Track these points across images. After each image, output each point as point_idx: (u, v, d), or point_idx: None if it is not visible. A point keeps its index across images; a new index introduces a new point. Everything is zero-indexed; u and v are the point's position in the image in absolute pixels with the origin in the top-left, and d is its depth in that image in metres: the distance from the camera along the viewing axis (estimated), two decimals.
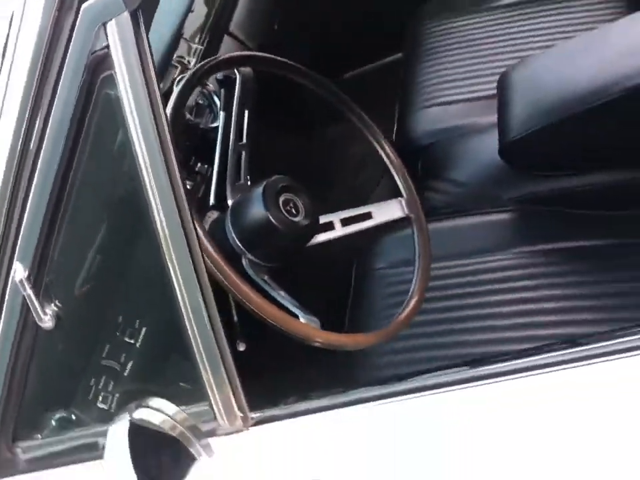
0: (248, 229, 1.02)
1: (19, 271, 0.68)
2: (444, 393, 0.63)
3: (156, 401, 0.62)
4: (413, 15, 1.92)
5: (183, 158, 1.15)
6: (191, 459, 0.62)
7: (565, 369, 0.59)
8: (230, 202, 1.06)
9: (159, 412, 0.61)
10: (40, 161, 0.65)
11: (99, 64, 0.60)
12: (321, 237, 1.11)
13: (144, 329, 0.86)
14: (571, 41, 1.47)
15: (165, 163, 0.64)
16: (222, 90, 1.17)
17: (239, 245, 1.02)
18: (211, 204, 1.08)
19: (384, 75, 2.02)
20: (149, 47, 0.60)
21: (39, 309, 0.69)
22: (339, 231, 1.12)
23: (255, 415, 0.71)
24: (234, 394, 0.70)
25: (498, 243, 1.35)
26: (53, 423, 0.81)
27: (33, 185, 0.66)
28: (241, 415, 0.70)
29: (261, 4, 1.77)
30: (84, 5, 0.57)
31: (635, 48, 1.26)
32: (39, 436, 0.81)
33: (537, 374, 0.60)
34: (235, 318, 1.00)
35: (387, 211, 1.15)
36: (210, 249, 0.89)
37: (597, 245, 1.33)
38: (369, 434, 0.66)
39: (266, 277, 1.03)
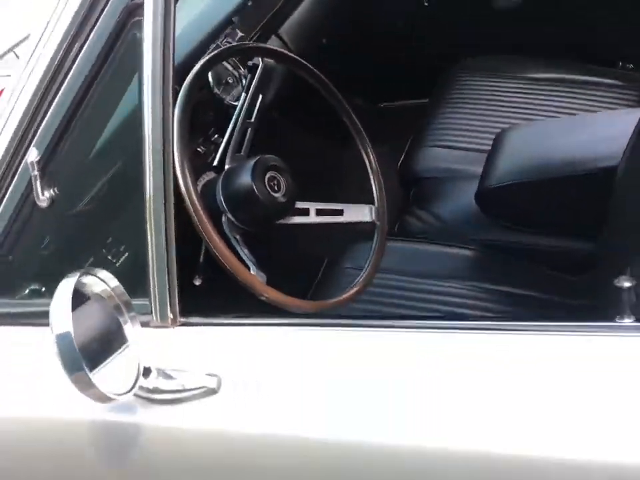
0: (233, 192, 1.19)
1: (33, 154, 0.85)
2: None
3: (103, 273, 0.78)
4: (454, 64, 2.09)
5: (204, 127, 1.32)
6: (120, 326, 0.78)
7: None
8: (226, 167, 1.24)
9: (103, 282, 0.78)
10: (71, 73, 0.83)
11: (134, 9, 0.78)
12: (296, 219, 1.28)
13: (126, 254, 1.03)
14: (566, 117, 1.64)
15: (162, 106, 0.81)
16: (249, 74, 1.35)
17: (223, 204, 1.18)
18: (213, 166, 1.25)
19: (407, 114, 2.19)
20: (174, 11, 0.78)
21: (39, 189, 0.86)
22: (312, 219, 1.28)
23: (184, 319, 0.87)
24: (170, 297, 0.86)
25: (453, 273, 1.50)
26: (26, 291, 0.98)
27: (61, 91, 0.84)
28: (171, 316, 0.87)
29: (315, 17, 1.95)
30: None
31: (615, 136, 1.42)
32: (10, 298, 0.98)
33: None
34: (201, 259, 1.17)
35: (357, 213, 1.32)
36: (194, 196, 1.05)
37: (543, 298, 1.47)
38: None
39: (237, 236, 1.19)
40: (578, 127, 1.57)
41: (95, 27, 0.80)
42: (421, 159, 1.82)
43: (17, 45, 1.96)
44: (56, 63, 0.82)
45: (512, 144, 1.56)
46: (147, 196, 0.84)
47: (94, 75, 0.83)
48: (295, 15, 1.85)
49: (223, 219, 1.19)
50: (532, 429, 0.71)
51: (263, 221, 1.23)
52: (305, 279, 1.51)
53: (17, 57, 2.05)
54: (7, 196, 0.90)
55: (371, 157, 1.33)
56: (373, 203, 1.34)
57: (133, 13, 0.79)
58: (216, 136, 1.33)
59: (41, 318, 0.93)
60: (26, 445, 0.93)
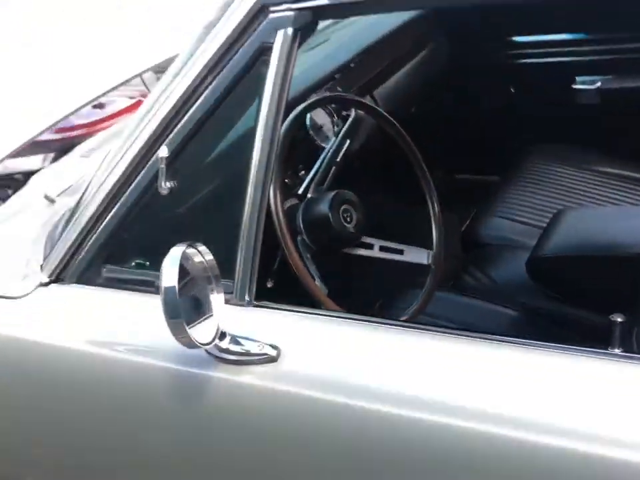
0: (311, 217, 1.39)
1: (163, 151, 1.07)
2: None
3: (202, 247, 0.98)
4: (528, 147, 2.26)
5: (294, 162, 1.53)
6: (208, 294, 0.97)
7: None
8: (308, 196, 1.44)
9: (201, 255, 0.97)
10: (205, 93, 1.05)
11: (264, 50, 1.00)
12: (360, 251, 1.47)
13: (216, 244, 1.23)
14: (623, 206, 1.79)
15: (271, 136, 1.02)
16: (341, 123, 1.57)
17: (301, 226, 1.39)
18: (297, 194, 1.46)
19: (476, 187, 2.36)
20: (294, 59, 1.00)
21: (163, 179, 1.08)
22: (375, 253, 1.47)
23: (257, 303, 1.07)
24: (250, 283, 1.06)
25: (493, 328, 1.65)
26: (134, 262, 1.20)
27: (195, 106, 1.06)
28: (248, 298, 1.06)
29: (410, 87, 2.18)
30: (271, 15, 0.98)
31: None
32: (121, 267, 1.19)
33: None
34: (275, 266, 1.37)
35: (416, 255, 1.50)
36: (280, 215, 1.25)
37: None
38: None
39: (308, 255, 1.39)
40: (632, 215, 1.71)
41: (232, 59, 1.02)
42: (485, 226, 1.99)
43: (144, 71, 2.25)
44: (196, 84, 1.04)
45: (567, 220, 1.72)
46: (246, 205, 1.04)
47: (222, 97, 1.04)
48: (391, 80, 2.08)
49: (299, 238, 1.39)
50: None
51: (332, 245, 1.42)
52: (358, 302, 1.69)
53: (145, 84, 2.35)
54: (135, 181, 1.12)
55: (436, 208, 1.52)
56: (431, 249, 1.53)
57: (263, 53, 1.00)
58: (302, 172, 1.53)
59: (143, 285, 1.15)
60: (112, 384, 1.13)
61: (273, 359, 1.00)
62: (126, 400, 1.12)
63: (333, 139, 1.54)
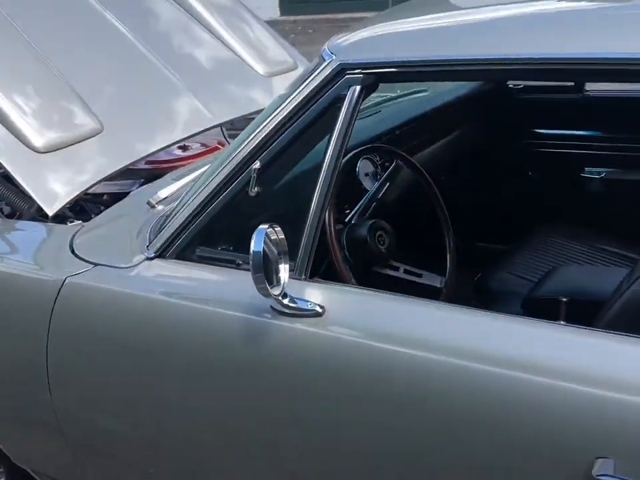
0: (353, 238, 1.81)
1: (256, 164, 1.49)
2: None
3: (278, 227, 1.38)
4: (542, 225, 2.65)
5: (341, 202, 1.95)
6: (278, 265, 1.37)
7: None
8: (352, 222, 1.86)
9: (276, 233, 1.37)
10: (288, 129, 1.48)
11: (337, 101, 1.43)
12: (388, 271, 1.87)
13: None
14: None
15: (333, 170, 1.44)
16: (383, 172, 2.00)
17: (344, 244, 1.80)
18: (344, 221, 1.88)
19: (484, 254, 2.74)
20: (359, 108, 1.43)
21: (254, 185, 1.49)
22: (399, 274, 1.87)
23: (311, 279, 1.46)
24: (307, 264, 1.46)
25: None
26: (220, 247, 1.61)
27: (281, 137, 1.49)
28: (305, 275, 1.46)
29: (444, 158, 2.61)
30: (347, 76, 1.41)
31: None
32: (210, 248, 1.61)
33: None
34: (324, 267, 1.76)
35: (432, 279, 1.89)
36: (333, 231, 1.66)
37: None
38: None
39: (347, 267, 1.79)
40: (604, 273, 2.09)
41: (315, 104, 1.45)
42: (495, 278, 2.38)
43: (223, 123, 2.71)
44: (285, 120, 1.48)
45: (563, 272, 2.10)
46: (310, 215, 1.45)
47: (302, 132, 1.47)
48: (427, 151, 2.51)
49: (340, 253, 1.80)
50: None
51: (366, 261, 1.82)
52: None
53: (223, 133, 2.82)
54: (231, 187, 1.55)
55: (452, 243, 1.92)
56: (444, 276, 1.92)
57: (337, 102, 1.43)
58: (347, 211, 1.95)
59: (226, 262, 1.56)
60: (198, 331, 1.53)
61: (319, 314, 1.39)
62: (210, 345, 1.52)
63: (376, 182, 1.97)
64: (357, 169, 2.00)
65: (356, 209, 1.89)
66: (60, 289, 1.72)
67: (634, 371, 1.15)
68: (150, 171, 2.58)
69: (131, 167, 2.50)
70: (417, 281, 1.88)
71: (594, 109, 2.70)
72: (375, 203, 1.90)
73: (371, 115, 2.43)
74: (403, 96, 2.75)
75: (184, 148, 2.76)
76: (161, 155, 2.63)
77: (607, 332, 1.24)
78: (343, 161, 1.70)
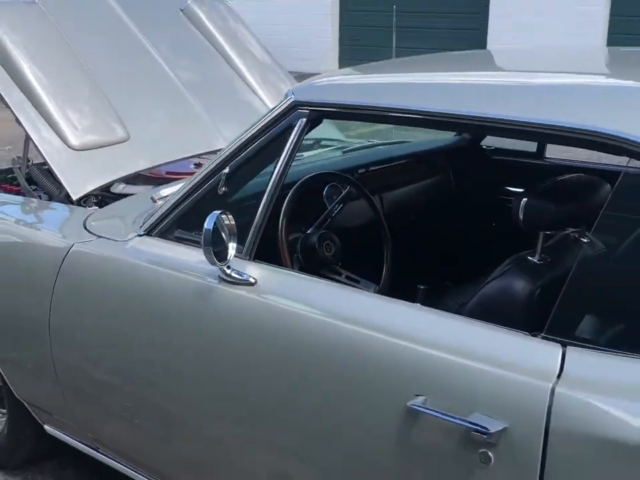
0: (305, 243, 2.25)
1: (225, 170, 1.97)
2: None
3: (230, 216, 1.82)
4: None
5: (307, 218, 2.38)
6: (226, 243, 1.82)
7: None
8: (308, 232, 2.31)
9: (229, 220, 1.83)
10: (249, 148, 1.95)
11: (290, 127, 1.89)
12: (332, 275, 2.30)
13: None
14: None
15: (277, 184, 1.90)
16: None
17: (298, 249, 2.25)
18: (302, 230, 2.33)
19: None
20: (304, 136, 1.89)
21: (222, 186, 1.96)
22: (341, 279, 2.30)
23: (253, 261, 1.91)
24: (252, 249, 1.91)
25: None
26: (193, 232, 2.07)
27: (244, 153, 1.96)
28: (248, 257, 1.90)
29: (414, 199, 3.04)
30: (298, 110, 1.87)
31: None
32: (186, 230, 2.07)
33: None
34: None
35: (367, 285, 2.31)
36: (284, 240, 2.11)
37: None
38: None
39: (297, 266, 2.23)
40: None
41: (271, 130, 1.91)
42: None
43: (203, 154, 3.19)
44: (248, 140, 1.94)
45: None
46: (259, 210, 1.90)
47: (261, 149, 1.93)
48: (399, 191, 2.96)
49: (294, 255, 2.24)
50: None
51: (315, 265, 2.26)
52: None
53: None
54: (205, 185, 2.01)
55: (389, 258, 2.35)
56: (379, 285, 2.34)
57: (288, 129, 1.88)
58: (302, 229, 2.37)
59: (194, 243, 2.01)
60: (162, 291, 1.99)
61: (251, 284, 1.83)
62: (174, 300, 1.97)
63: (334, 204, 2.42)
64: (324, 193, 2.45)
65: (315, 223, 2.34)
66: (68, 251, 2.20)
67: (443, 333, 1.56)
68: (168, 180, 3.07)
69: (153, 175, 3.01)
70: (355, 286, 2.30)
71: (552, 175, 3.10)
72: (329, 219, 2.35)
73: (355, 151, 2.91)
74: (387, 143, 3.22)
75: (199, 165, 3.26)
76: (179, 168, 3.13)
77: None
78: (306, 180, 2.17)
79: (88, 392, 2.33)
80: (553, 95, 1.68)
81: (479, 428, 1.39)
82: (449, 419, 1.43)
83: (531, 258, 1.89)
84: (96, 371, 2.26)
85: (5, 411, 2.73)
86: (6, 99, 2.73)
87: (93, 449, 2.38)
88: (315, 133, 2.09)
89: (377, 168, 2.84)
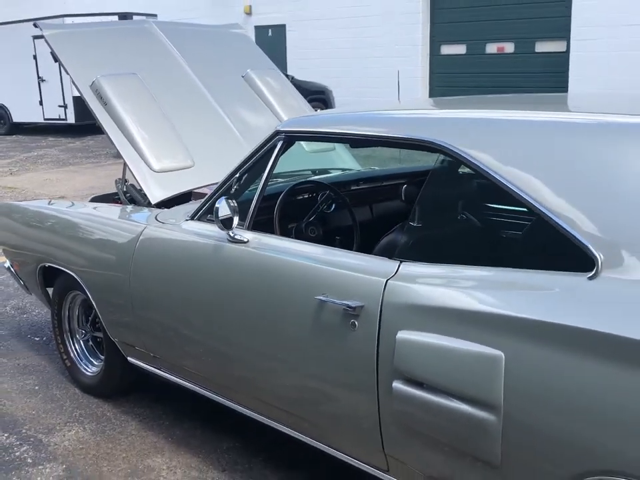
0: (297, 229, 3.37)
1: (235, 175, 3.11)
2: None
3: (233, 199, 2.95)
4: None
5: (301, 214, 3.50)
6: (232, 217, 2.95)
7: None
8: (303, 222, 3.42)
9: (233, 202, 2.94)
10: (248, 164, 3.10)
11: (273, 147, 3.02)
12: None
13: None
14: None
15: (264, 186, 3.03)
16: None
17: (293, 232, 3.36)
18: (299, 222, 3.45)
19: None
20: (282, 154, 3.02)
21: (233, 185, 3.11)
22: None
23: (252, 231, 3.04)
24: (251, 222, 3.04)
25: None
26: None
27: (244, 167, 3.11)
28: (248, 227, 3.04)
29: (371, 198, 4.12)
30: (280, 135, 3.00)
31: None
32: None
33: None
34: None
35: None
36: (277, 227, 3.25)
37: None
38: None
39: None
40: None
41: (261, 150, 3.06)
42: None
43: (207, 185, 4.36)
44: (246, 159, 3.10)
45: None
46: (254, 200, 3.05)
47: (255, 162, 3.08)
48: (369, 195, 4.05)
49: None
50: None
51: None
52: None
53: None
54: (223, 187, 3.18)
55: (357, 243, 3.43)
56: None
57: (272, 148, 3.02)
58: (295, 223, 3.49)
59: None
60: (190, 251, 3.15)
61: (245, 243, 2.96)
62: (203, 256, 3.12)
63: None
64: (318, 198, 3.56)
65: (306, 219, 3.45)
66: (142, 231, 3.42)
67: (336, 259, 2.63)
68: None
69: (201, 192, 4.24)
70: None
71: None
72: (315, 214, 3.46)
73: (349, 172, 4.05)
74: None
75: None
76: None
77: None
78: (294, 186, 3.31)
79: (154, 327, 3.50)
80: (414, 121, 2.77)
81: (348, 306, 2.45)
82: (333, 302, 2.50)
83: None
84: (160, 310, 3.43)
85: (103, 357, 3.96)
86: (112, 139, 4.04)
87: (162, 371, 3.54)
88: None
89: (356, 186, 3.98)
